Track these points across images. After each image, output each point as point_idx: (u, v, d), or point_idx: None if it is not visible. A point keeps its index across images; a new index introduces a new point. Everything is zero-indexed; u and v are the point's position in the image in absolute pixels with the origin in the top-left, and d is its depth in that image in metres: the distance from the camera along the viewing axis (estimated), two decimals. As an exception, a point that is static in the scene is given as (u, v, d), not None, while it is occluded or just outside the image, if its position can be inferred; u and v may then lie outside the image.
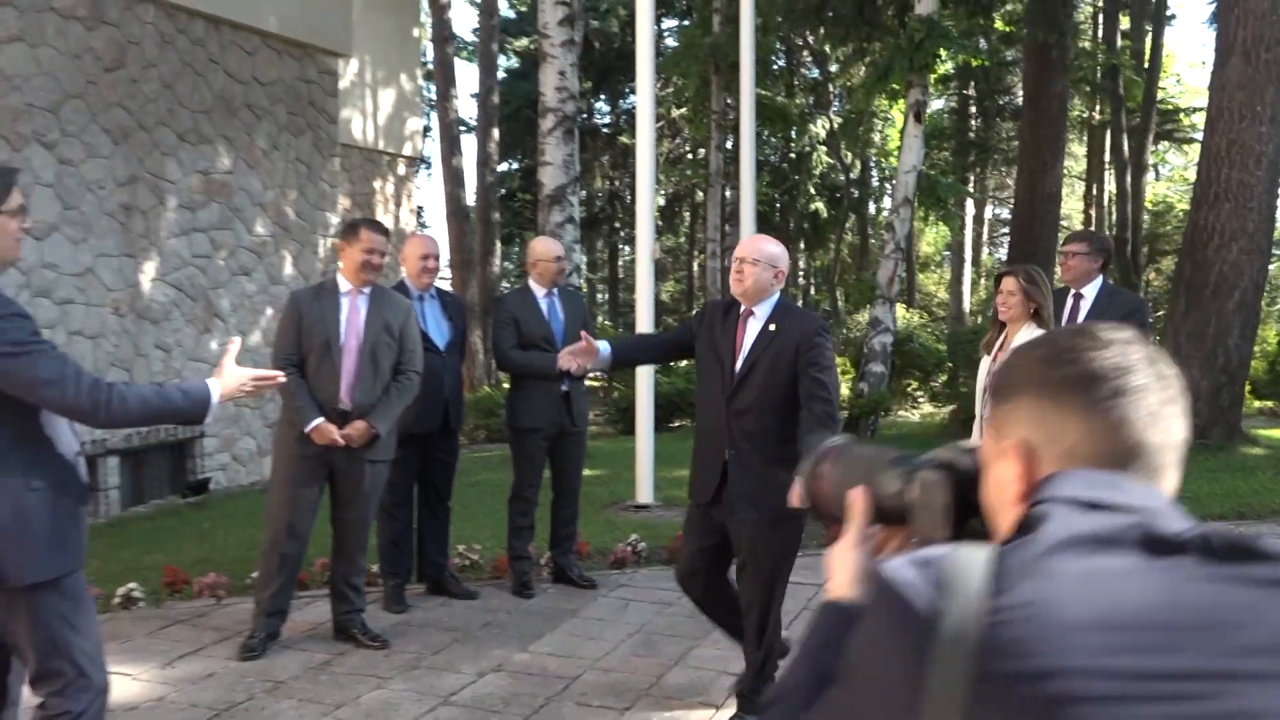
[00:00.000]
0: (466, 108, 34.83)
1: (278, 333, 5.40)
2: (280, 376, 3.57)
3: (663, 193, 28.91)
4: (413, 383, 5.44)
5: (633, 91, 26.05)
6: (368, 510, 5.38)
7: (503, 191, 25.77)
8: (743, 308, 4.37)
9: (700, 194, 26.22)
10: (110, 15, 9.85)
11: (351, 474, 5.22)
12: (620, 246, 34.15)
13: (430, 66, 21.99)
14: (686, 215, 32.10)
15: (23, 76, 9.08)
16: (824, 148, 26.06)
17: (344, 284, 5.29)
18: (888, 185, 29.13)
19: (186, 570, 6.40)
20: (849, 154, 27.13)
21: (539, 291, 6.30)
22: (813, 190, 26.26)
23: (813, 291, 33.98)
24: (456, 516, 7.78)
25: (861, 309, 18.08)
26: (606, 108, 30.35)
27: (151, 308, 10.31)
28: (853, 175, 28.42)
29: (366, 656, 5.23)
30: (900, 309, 18.72)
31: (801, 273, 33.92)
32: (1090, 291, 5.62)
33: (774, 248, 4.37)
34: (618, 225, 31.86)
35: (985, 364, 5.22)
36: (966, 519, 1.31)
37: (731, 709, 4.55)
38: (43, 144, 9.22)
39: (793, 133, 23.81)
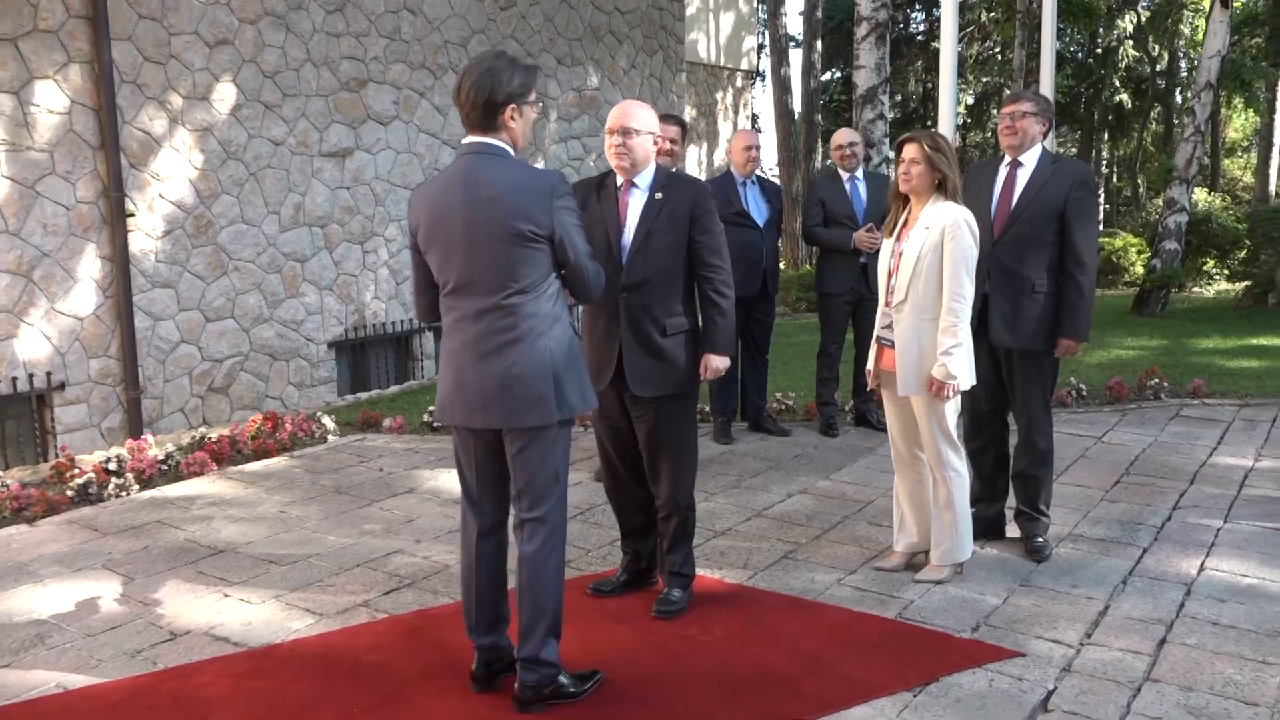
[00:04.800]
0: (795, 25, 33.80)
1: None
2: None
3: (971, 92, 27.06)
4: None
5: None
6: None
7: (825, 98, 25.04)
8: (620, 180, 3.60)
9: (1007, 91, 24.31)
10: (502, -37, 10.30)
11: None
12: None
13: (764, -11, 21.49)
14: (994, 112, 29.96)
15: (440, 18, 9.70)
16: (1130, 41, 23.33)
17: None
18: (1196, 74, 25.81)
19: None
20: (1156, 46, 24.15)
21: (844, 175, 6.15)
22: (1117, 83, 23.69)
23: (1115, 179, 30.93)
24: (778, 370, 7.87)
25: (1161, 192, 16.26)
26: (921, 15, 28.55)
27: (538, 201, 10.92)
28: (1160, 67, 25.33)
29: (699, 477, 5.42)
30: (1202, 193, 16.69)
31: (1104, 161, 30.93)
32: (1030, 160, 4.16)
33: (650, 114, 3.55)
34: (929, 124, 30.20)
35: (887, 246, 3.96)
36: None
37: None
38: (455, 72, 9.85)
39: (1100, 28, 21.48)
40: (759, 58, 21.85)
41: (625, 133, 3.48)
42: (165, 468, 5.61)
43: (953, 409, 3.90)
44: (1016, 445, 4.35)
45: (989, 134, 30.94)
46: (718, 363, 3.68)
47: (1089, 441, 6.04)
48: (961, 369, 3.78)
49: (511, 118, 2.94)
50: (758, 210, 5.99)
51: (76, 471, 5.35)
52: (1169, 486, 5.15)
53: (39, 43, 6.84)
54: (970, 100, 26.88)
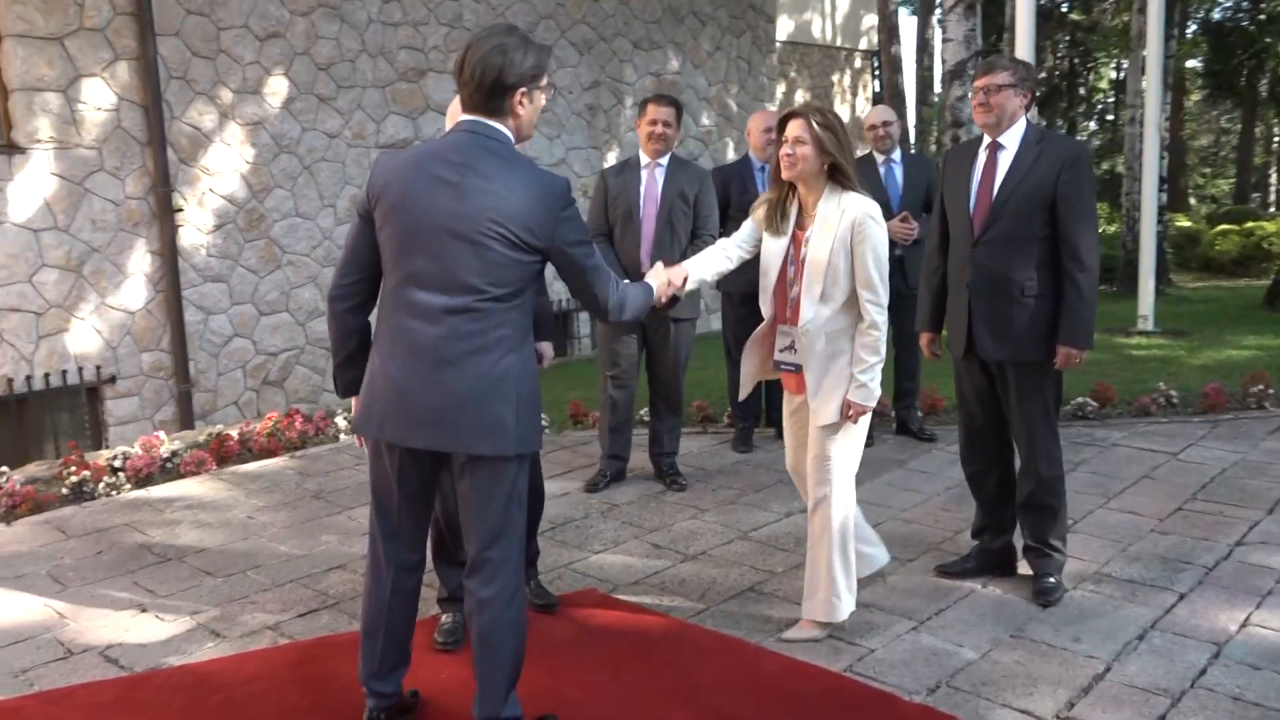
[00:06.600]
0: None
1: (590, 208, 4.98)
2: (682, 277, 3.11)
3: (1113, 65, 25.17)
4: (708, 245, 4.86)
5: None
6: (677, 363, 4.98)
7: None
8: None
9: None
10: (568, -55, 9.94)
11: (659, 331, 4.88)
12: (1082, 122, 30.31)
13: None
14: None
15: (505, 4, 9.44)
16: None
17: (643, 158, 4.87)
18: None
19: (589, 406, 6.43)
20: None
21: (879, 159, 5.53)
22: (1284, 51, 21.51)
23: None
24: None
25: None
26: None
27: (613, 190, 10.56)
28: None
29: (696, 491, 4.98)
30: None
31: (1275, 139, 28.35)
32: (1013, 140, 3.50)
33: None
34: (1066, 104, 28.25)
35: (775, 245, 3.30)
36: None
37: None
38: (521, 59, 9.57)
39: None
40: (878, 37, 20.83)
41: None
42: (168, 466, 5.54)
43: (860, 437, 3.34)
44: (1019, 471, 3.72)
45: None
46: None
47: (1161, 459, 5.26)
48: (877, 388, 3.25)
49: (521, 103, 2.54)
50: (778, 198, 5.45)
51: (74, 470, 5.31)
52: (1239, 516, 4.38)
53: (85, 41, 6.91)
54: (1114, 74, 25.01)
